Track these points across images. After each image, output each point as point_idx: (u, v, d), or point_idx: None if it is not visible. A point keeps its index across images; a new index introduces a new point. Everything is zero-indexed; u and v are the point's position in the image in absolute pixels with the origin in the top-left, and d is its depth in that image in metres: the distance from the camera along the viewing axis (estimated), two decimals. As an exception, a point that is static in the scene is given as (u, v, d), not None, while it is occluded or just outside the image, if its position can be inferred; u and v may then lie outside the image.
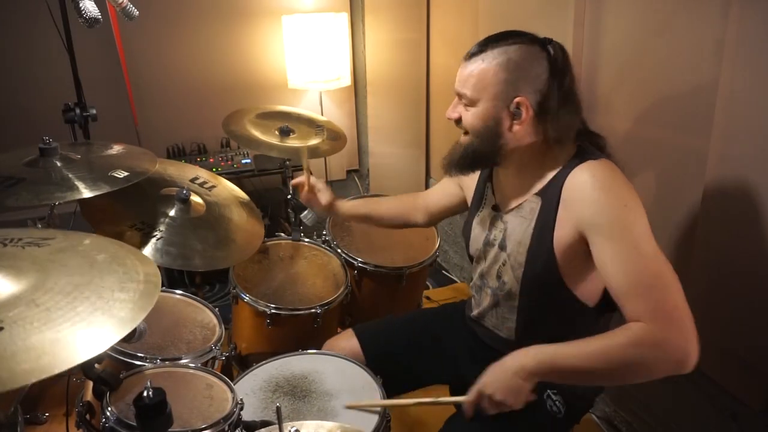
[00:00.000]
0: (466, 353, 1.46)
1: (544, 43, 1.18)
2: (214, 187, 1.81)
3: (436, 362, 1.50)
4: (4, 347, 0.70)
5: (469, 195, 1.47)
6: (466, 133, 1.24)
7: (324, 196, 1.70)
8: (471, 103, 1.20)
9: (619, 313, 1.11)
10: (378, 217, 1.74)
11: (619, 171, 1.16)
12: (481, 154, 1.23)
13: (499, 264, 1.31)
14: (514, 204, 1.28)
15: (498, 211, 1.34)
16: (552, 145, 1.20)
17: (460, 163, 1.26)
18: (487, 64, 1.16)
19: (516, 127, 1.17)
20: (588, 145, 1.23)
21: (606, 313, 1.27)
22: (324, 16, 2.85)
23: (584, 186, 1.14)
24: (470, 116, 1.21)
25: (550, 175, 1.21)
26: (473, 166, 1.27)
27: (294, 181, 1.75)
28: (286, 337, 1.74)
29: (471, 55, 1.19)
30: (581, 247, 1.15)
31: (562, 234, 1.17)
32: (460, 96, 1.22)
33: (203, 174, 1.84)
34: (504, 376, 1.13)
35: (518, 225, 1.26)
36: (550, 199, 1.19)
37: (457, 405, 1.45)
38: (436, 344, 1.51)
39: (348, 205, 1.74)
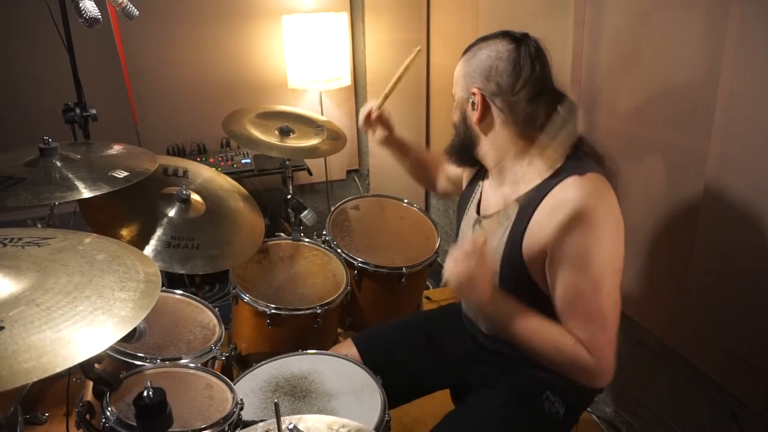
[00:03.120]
0: (467, 355, 1.46)
1: (517, 40, 1.20)
2: (186, 171, 1.80)
3: (437, 366, 1.49)
4: (5, 347, 0.70)
5: (465, 185, 1.50)
6: None
7: (383, 130, 1.73)
8: (454, 97, 1.31)
9: None
10: (416, 153, 1.79)
11: (607, 189, 1.14)
12: (460, 147, 1.33)
13: None
14: (494, 209, 1.30)
15: (478, 214, 1.36)
16: (531, 145, 1.21)
17: (448, 153, 1.38)
18: (464, 61, 1.27)
19: (475, 117, 1.24)
20: (578, 154, 1.20)
21: None
22: (324, 16, 2.84)
23: (564, 210, 1.12)
24: (454, 111, 1.32)
25: (533, 183, 1.20)
26: (458, 158, 1.36)
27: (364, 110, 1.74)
28: (286, 337, 1.74)
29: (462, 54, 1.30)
30: (545, 258, 1.18)
31: (530, 245, 1.18)
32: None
33: (172, 162, 1.83)
34: (470, 290, 1.17)
35: (495, 231, 1.26)
36: (527, 207, 1.19)
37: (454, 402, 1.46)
38: (437, 348, 1.50)
39: (400, 138, 1.77)
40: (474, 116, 1.24)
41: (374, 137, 1.73)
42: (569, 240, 1.11)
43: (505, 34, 1.22)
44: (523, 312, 1.19)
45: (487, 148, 1.28)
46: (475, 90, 1.22)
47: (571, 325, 1.15)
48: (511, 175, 1.26)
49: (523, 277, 1.21)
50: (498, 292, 1.20)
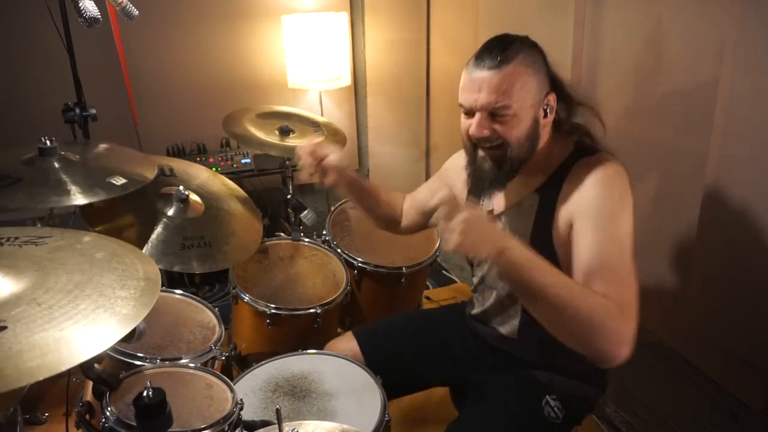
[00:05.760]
0: (468, 355, 1.46)
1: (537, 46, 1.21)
2: (172, 168, 1.78)
3: (437, 364, 1.49)
4: (8, 346, 0.71)
5: (460, 193, 1.43)
6: (492, 147, 1.18)
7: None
8: (514, 112, 1.13)
9: None
10: (375, 199, 1.58)
11: (619, 167, 1.17)
12: (522, 163, 1.19)
13: None
14: (513, 201, 1.29)
15: (495, 212, 1.33)
16: (556, 140, 1.23)
17: (507, 178, 1.21)
18: (522, 69, 1.13)
19: (545, 126, 1.21)
20: (585, 140, 1.25)
21: None
22: (324, 15, 2.85)
23: (583, 181, 1.16)
24: (513, 127, 1.15)
25: (550, 171, 1.22)
26: (514, 176, 1.22)
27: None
28: (286, 337, 1.74)
29: (500, 63, 1.12)
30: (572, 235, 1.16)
31: (559, 227, 1.19)
32: (492, 112, 1.14)
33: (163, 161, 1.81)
34: (485, 232, 1.01)
35: (519, 223, 1.26)
36: (549, 195, 1.21)
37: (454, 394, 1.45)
38: (437, 346, 1.50)
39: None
40: (545, 124, 1.19)
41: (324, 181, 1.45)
42: (594, 202, 1.13)
43: (532, 43, 1.19)
44: (545, 261, 1.03)
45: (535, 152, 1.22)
46: (552, 96, 1.18)
47: (599, 285, 1.04)
48: (532, 169, 1.24)
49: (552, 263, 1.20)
50: (510, 235, 1.04)
